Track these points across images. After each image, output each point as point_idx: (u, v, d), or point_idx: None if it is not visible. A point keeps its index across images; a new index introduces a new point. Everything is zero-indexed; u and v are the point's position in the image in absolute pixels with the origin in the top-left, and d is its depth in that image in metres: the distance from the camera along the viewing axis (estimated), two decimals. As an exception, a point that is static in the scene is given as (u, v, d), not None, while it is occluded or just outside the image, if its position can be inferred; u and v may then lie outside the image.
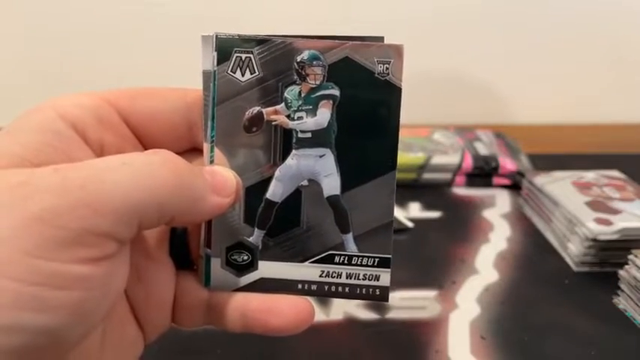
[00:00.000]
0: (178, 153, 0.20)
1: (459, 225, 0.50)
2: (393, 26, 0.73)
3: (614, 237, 0.40)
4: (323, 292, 0.23)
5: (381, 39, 0.22)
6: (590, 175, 0.49)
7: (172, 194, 0.18)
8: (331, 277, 0.23)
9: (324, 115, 0.22)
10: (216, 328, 0.35)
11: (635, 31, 0.75)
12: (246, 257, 0.23)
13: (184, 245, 0.24)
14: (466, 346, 0.35)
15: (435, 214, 0.52)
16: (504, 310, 0.38)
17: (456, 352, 0.34)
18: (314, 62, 0.22)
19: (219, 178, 0.21)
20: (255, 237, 0.23)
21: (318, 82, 0.22)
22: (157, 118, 0.22)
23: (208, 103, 0.22)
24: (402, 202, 0.53)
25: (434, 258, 0.44)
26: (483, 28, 0.74)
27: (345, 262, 0.23)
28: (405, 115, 0.75)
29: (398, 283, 0.40)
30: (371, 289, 0.23)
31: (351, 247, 0.23)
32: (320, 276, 0.23)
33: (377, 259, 0.23)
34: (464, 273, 0.41)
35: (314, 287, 0.23)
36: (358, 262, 0.23)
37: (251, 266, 0.23)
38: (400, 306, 0.38)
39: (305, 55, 0.22)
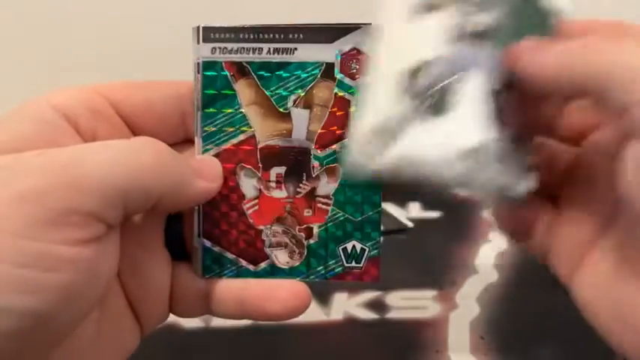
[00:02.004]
0: (172, 144, 0.20)
1: (459, 225, 0.50)
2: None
3: None
4: None
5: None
6: None
7: (155, 175, 0.19)
8: None
9: None
10: (215, 327, 0.35)
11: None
12: None
13: (179, 236, 0.24)
14: (466, 346, 0.35)
15: (435, 214, 0.51)
16: (504, 310, 0.38)
17: (456, 352, 0.34)
18: None
19: (204, 163, 0.21)
20: None
21: None
22: (150, 109, 0.22)
23: (198, 94, 0.22)
24: (402, 202, 0.53)
25: (434, 258, 0.44)
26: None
27: None
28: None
29: (398, 283, 0.40)
30: None
31: None
32: None
33: None
34: (464, 273, 0.41)
35: None
36: None
37: None
38: (400, 306, 0.38)
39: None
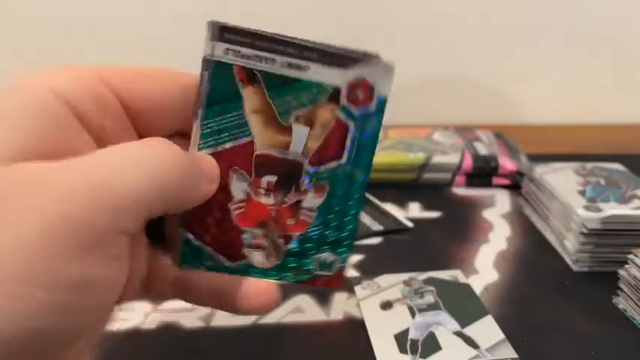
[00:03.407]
0: (169, 135, 0.20)
1: (459, 225, 0.50)
2: (394, 26, 0.73)
3: (602, 226, 0.40)
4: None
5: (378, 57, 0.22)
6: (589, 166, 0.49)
7: (177, 188, 0.19)
8: None
9: None
10: (215, 327, 0.35)
11: (636, 32, 0.75)
12: None
13: (159, 221, 0.24)
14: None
15: (434, 214, 0.52)
16: (504, 310, 0.38)
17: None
18: None
19: (207, 166, 0.22)
20: None
21: None
22: (151, 99, 0.22)
23: (204, 91, 0.22)
24: (402, 202, 0.53)
25: (434, 258, 0.44)
26: (483, 28, 0.74)
27: None
28: (405, 115, 0.75)
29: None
30: None
31: None
32: None
33: None
34: (464, 273, 0.41)
35: None
36: None
37: None
38: (400, 306, 0.38)
39: None
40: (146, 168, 0.18)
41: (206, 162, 0.22)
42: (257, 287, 0.23)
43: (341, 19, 0.72)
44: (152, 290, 0.24)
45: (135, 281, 0.23)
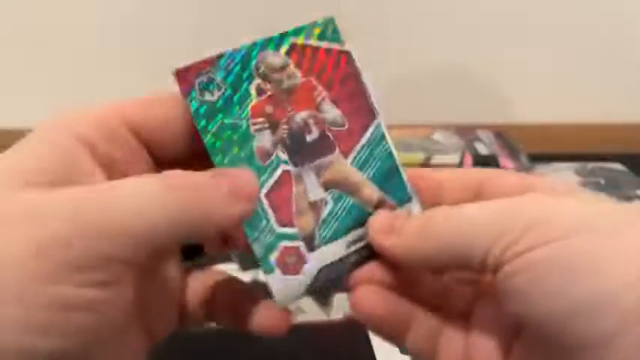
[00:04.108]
0: (191, 157, 0.21)
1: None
2: (393, 25, 0.73)
3: None
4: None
5: None
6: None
7: (181, 224, 0.19)
8: None
9: None
10: (215, 327, 0.35)
11: (636, 31, 0.75)
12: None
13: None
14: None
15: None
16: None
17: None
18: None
19: (237, 182, 0.20)
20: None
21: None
22: (169, 125, 0.22)
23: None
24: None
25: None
26: (484, 28, 0.74)
27: None
28: (405, 115, 0.74)
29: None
30: None
31: None
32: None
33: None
34: (464, 273, 0.41)
35: None
36: None
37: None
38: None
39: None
40: (144, 208, 0.18)
41: (234, 177, 0.20)
42: (269, 312, 0.23)
43: (340, 15, 0.72)
44: (188, 320, 0.25)
45: (171, 303, 0.23)
